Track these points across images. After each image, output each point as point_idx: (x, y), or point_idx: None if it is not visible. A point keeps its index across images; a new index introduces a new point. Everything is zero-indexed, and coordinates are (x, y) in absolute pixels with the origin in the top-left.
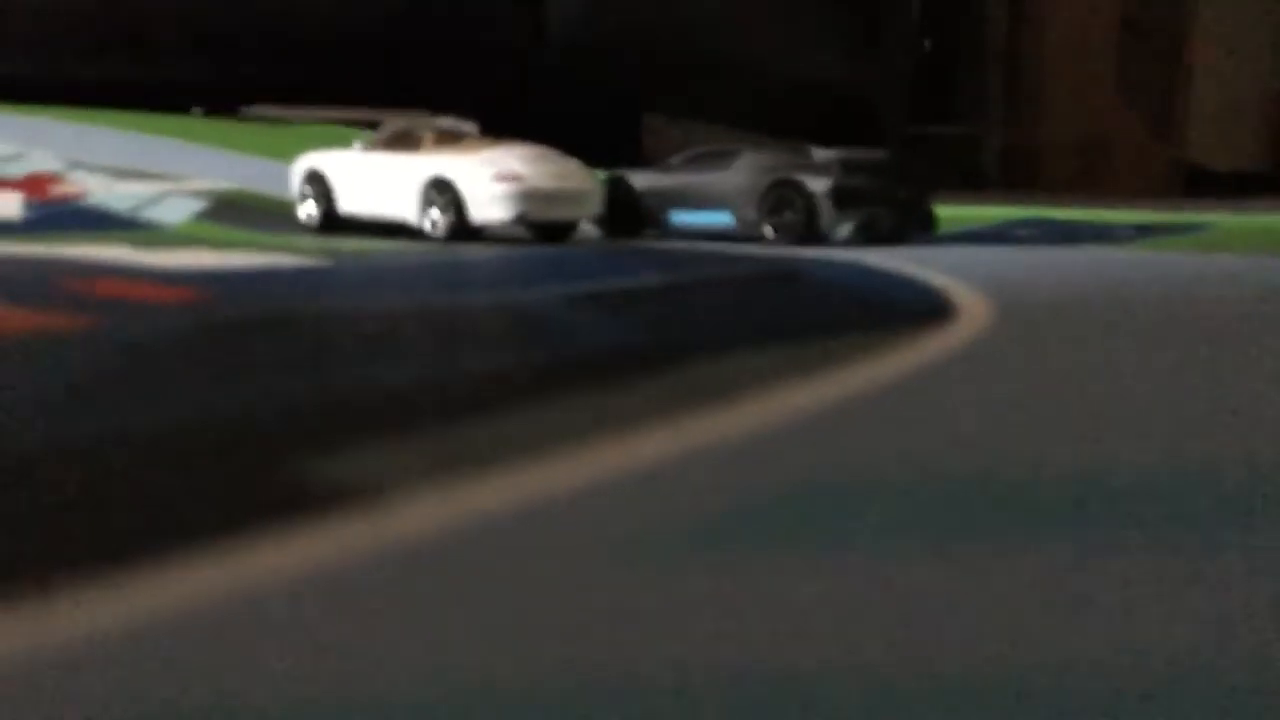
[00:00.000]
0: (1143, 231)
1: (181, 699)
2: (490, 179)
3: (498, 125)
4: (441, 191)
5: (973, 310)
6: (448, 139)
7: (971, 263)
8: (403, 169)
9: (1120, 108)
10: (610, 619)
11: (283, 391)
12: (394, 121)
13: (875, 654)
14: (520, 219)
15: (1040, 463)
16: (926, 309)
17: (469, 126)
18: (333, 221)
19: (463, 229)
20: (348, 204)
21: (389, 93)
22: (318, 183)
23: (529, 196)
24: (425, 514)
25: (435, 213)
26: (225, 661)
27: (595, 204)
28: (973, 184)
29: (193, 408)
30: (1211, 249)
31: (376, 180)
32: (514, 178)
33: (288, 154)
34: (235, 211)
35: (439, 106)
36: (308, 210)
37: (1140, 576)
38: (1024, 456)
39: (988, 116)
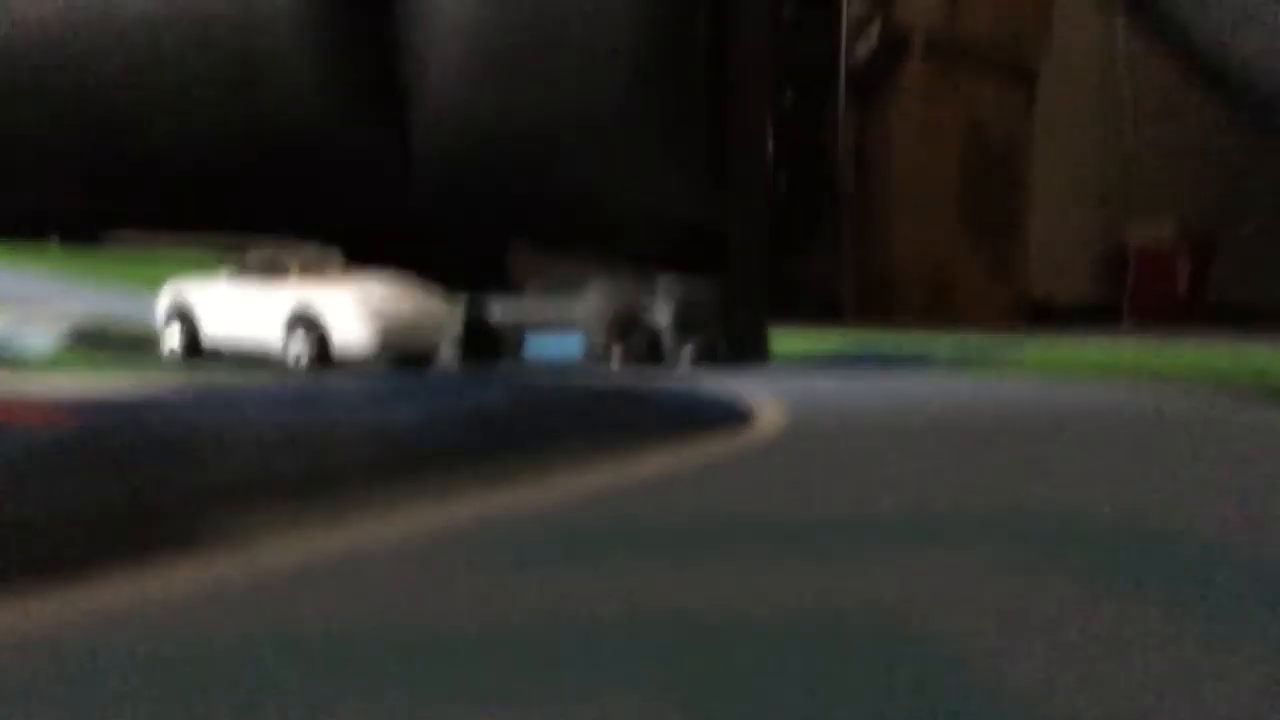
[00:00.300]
0: (961, 360)
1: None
2: (354, 310)
3: (363, 252)
4: (305, 323)
5: (770, 420)
6: (313, 269)
7: (788, 385)
8: (267, 299)
9: (963, 244)
10: None
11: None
12: (260, 251)
13: None
14: (383, 350)
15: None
16: (731, 419)
17: (333, 256)
18: (196, 351)
19: (325, 359)
20: (212, 334)
21: (252, 219)
22: (182, 312)
23: (393, 328)
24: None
25: (298, 343)
26: None
27: (455, 333)
28: (829, 314)
29: (62, 500)
30: (1021, 376)
31: (241, 310)
32: (379, 309)
33: (153, 283)
34: (100, 340)
35: (304, 233)
36: (171, 341)
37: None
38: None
39: (841, 251)
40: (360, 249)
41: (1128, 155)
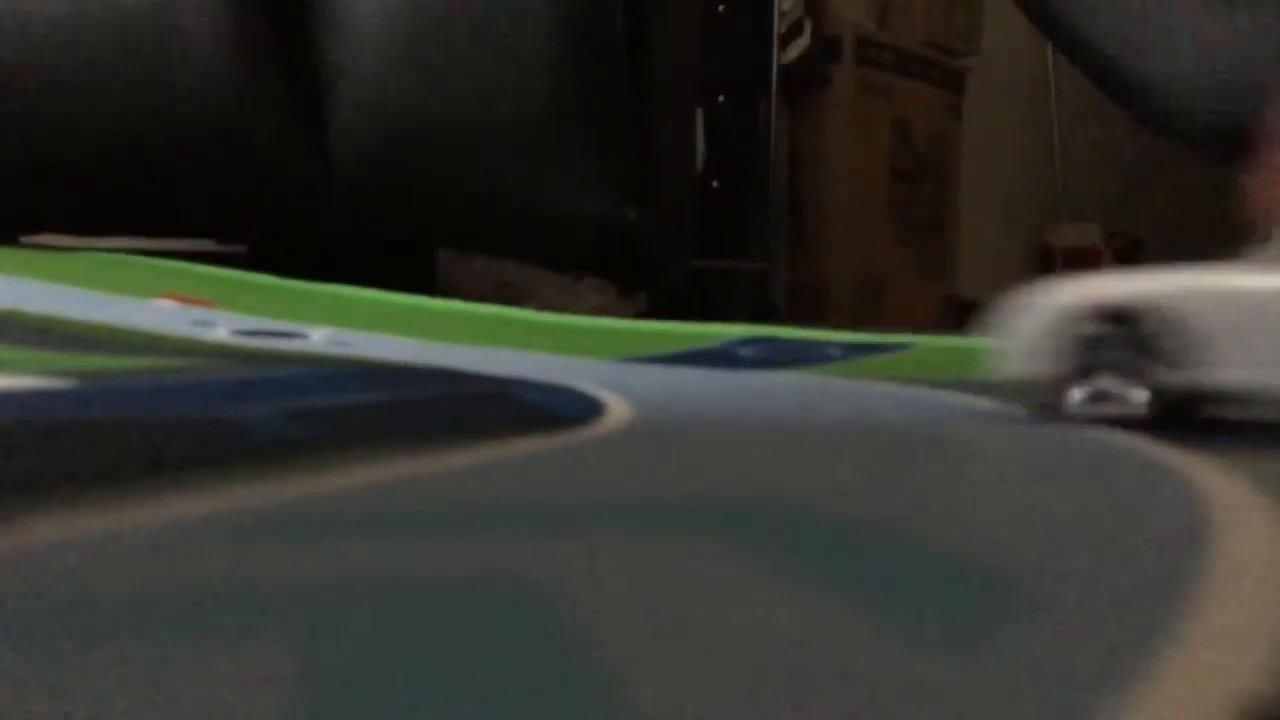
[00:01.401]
0: (852, 350)
1: None
2: None
3: (284, 258)
4: None
5: (617, 417)
6: None
7: (653, 382)
8: None
9: (894, 247)
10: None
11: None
12: None
13: None
14: None
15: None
16: (581, 415)
17: None
18: (1189, 407)
19: None
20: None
21: (170, 220)
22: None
23: None
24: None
25: None
26: None
27: None
28: (763, 318)
29: None
30: (908, 371)
31: None
32: None
33: (78, 282)
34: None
35: (223, 237)
36: (1091, 391)
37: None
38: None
39: (774, 254)
40: (279, 250)
41: (1055, 157)
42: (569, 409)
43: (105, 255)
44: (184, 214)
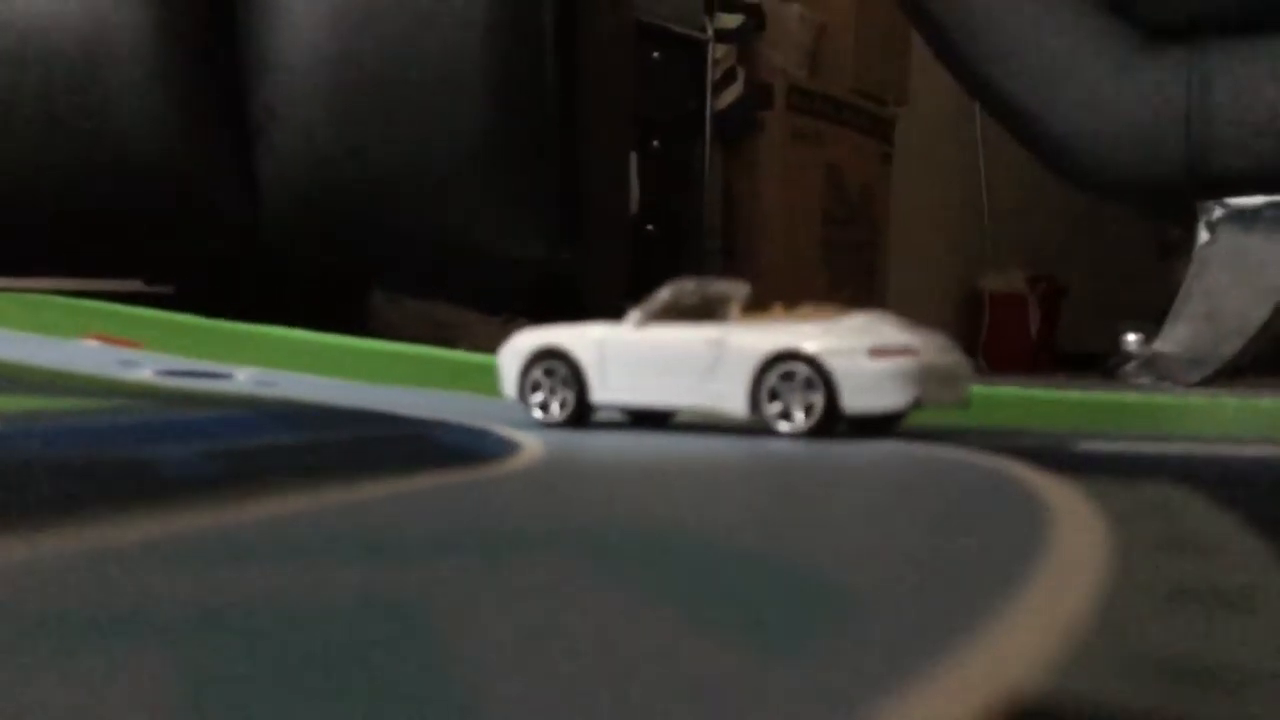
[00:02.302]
0: None
1: None
2: (865, 355)
3: (215, 298)
4: (797, 377)
5: (528, 456)
6: (750, 307)
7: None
8: (715, 349)
9: (827, 290)
10: None
11: None
12: (679, 286)
13: None
14: (914, 403)
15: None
16: (493, 453)
17: (741, 289)
18: (584, 418)
19: (830, 420)
20: (612, 398)
21: (99, 261)
22: (555, 370)
23: (922, 375)
24: None
25: (790, 402)
26: None
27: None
28: None
29: None
30: None
31: (667, 365)
32: (898, 351)
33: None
34: None
35: (152, 277)
36: (538, 403)
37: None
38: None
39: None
40: (209, 290)
41: (982, 205)
42: (482, 448)
43: (30, 296)
44: (112, 254)
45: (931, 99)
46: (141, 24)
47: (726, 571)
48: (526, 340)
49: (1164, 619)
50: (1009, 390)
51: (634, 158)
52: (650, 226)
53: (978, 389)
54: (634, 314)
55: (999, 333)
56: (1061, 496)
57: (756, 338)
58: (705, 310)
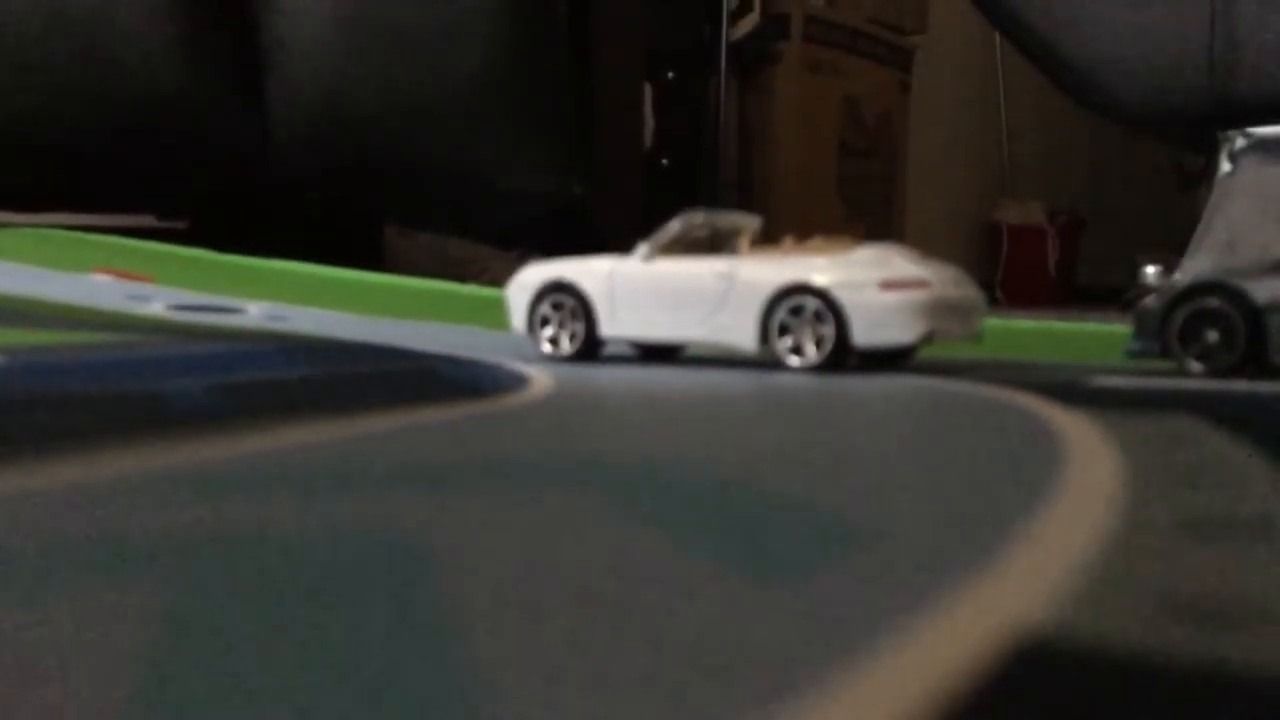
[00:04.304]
0: None
1: None
2: (877, 288)
3: (228, 233)
4: (808, 311)
5: (537, 390)
6: (758, 240)
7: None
8: (724, 282)
9: (843, 222)
10: None
11: None
12: (689, 218)
13: None
14: (925, 339)
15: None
16: (502, 388)
17: (752, 222)
18: (593, 352)
19: (841, 355)
20: (621, 331)
21: (110, 198)
22: (563, 303)
23: (939, 310)
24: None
25: (800, 336)
26: None
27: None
28: None
29: None
30: None
31: (675, 298)
32: (910, 285)
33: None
34: None
35: (164, 212)
36: (544, 341)
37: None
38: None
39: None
40: (222, 225)
41: (1001, 136)
42: (490, 382)
43: (43, 231)
44: (124, 189)
45: (951, 27)
46: None
47: (732, 503)
48: (534, 274)
49: (1175, 552)
50: (1023, 323)
51: (648, 90)
52: (664, 159)
53: (992, 322)
54: (643, 247)
55: (1017, 266)
56: (1074, 430)
57: (766, 271)
58: (715, 243)
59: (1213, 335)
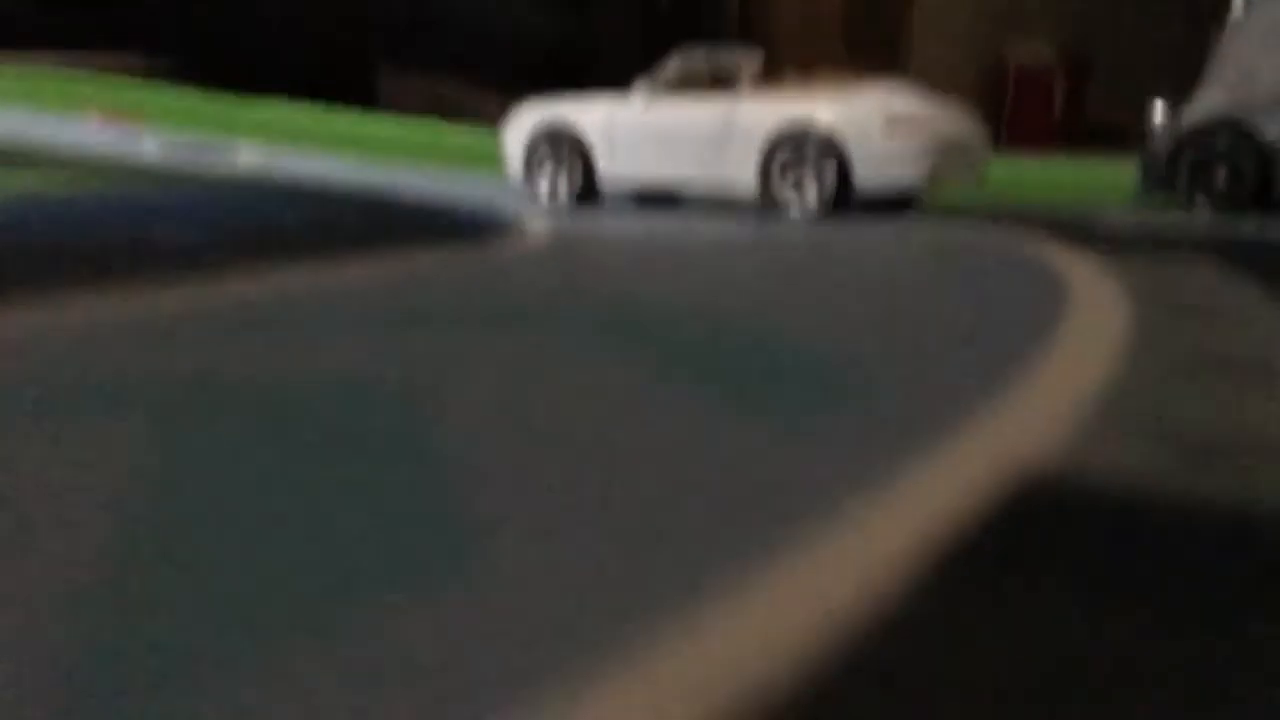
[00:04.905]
0: None
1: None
2: (890, 129)
3: (219, 72)
4: (809, 150)
5: (531, 235)
6: (760, 78)
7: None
8: (724, 120)
9: (846, 63)
10: None
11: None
12: (688, 53)
13: None
14: (930, 180)
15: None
16: (500, 231)
17: (756, 59)
18: (591, 193)
19: (844, 197)
20: (619, 171)
21: (94, 37)
22: (559, 143)
23: (942, 150)
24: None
25: (802, 177)
26: None
27: (985, 160)
28: None
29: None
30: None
31: (674, 138)
32: (922, 127)
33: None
34: None
35: (151, 50)
36: (542, 183)
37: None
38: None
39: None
40: (216, 68)
41: None
42: (485, 227)
43: (33, 72)
44: (106, 28)
45: None
46: None
47: (730, 347)
48: (530, 116)
49: (1178, 389)
50: (1030, 165)
51: None
52: (666, 3)
53: (998, 164)
54: (641, 87)
55: (1024, 107)
56: (1079, 270)
57: (767, 110)
58: (716, 81)
59: (1221, 174)
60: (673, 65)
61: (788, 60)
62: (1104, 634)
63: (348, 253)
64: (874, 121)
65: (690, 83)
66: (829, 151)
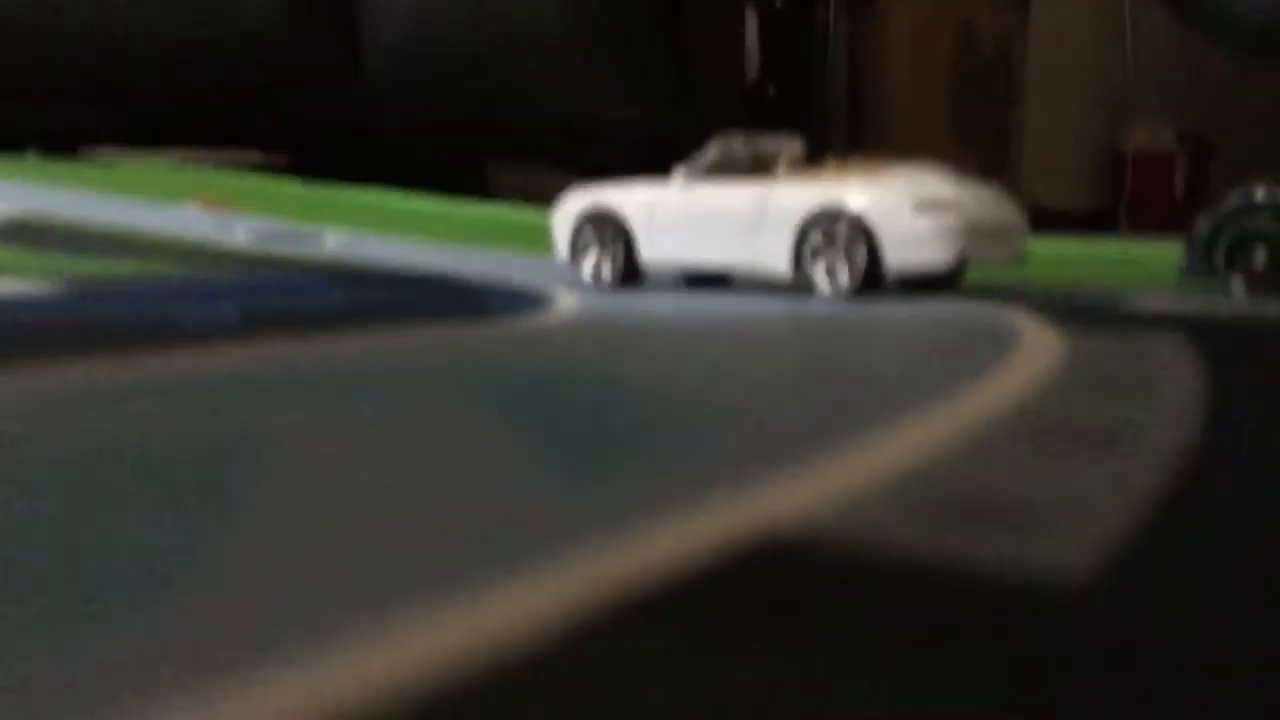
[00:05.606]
0: None
1: None
2: (918, 213)
3: (328, 168)
4: (841, 234)
5: (563, 310)
6: (798, 162)
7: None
8: (759, 205)
9: (957, 151)
10: None
11: None
12: (725, 142)
13: None
14: (960, 262)
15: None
16: (523, 310)
17: (794, 144)
18: (634, 275)
19: (874, 278)
20: (661, 255)
21: (217, 133)
22: (605, 227)
23: (973, 233)
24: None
25: (833, 260)
26: None
27: (1022, 241)
28: None
29: None
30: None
31: (712, 221)
32: (945, 206)
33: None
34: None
35: (267, 146)
36: (588, 266)
37: None
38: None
39: (834, 153)
40: (331, 162)
41: (1127, 59)
42: (513, 305)
43: (143, 165)
44: (228, 125)
45: None
46: None
47: (626, 414)
48: (577, 201)
49: (1012, 455)
50: (1072, 246)
51: (753, 19)
52: (772, 89)
53: (1041, 245)
54: (681, 172)
55: (1143, 192)
56: (1038, 345)
57: (800, 194)
58: (755, 167)
59: (1260, 254)
60: (712, 150)
61: (899, 149)
62: (787, 689)
63: (369, 327)
64: (904, 204)
65: (729, 168)
66: (859, 234)
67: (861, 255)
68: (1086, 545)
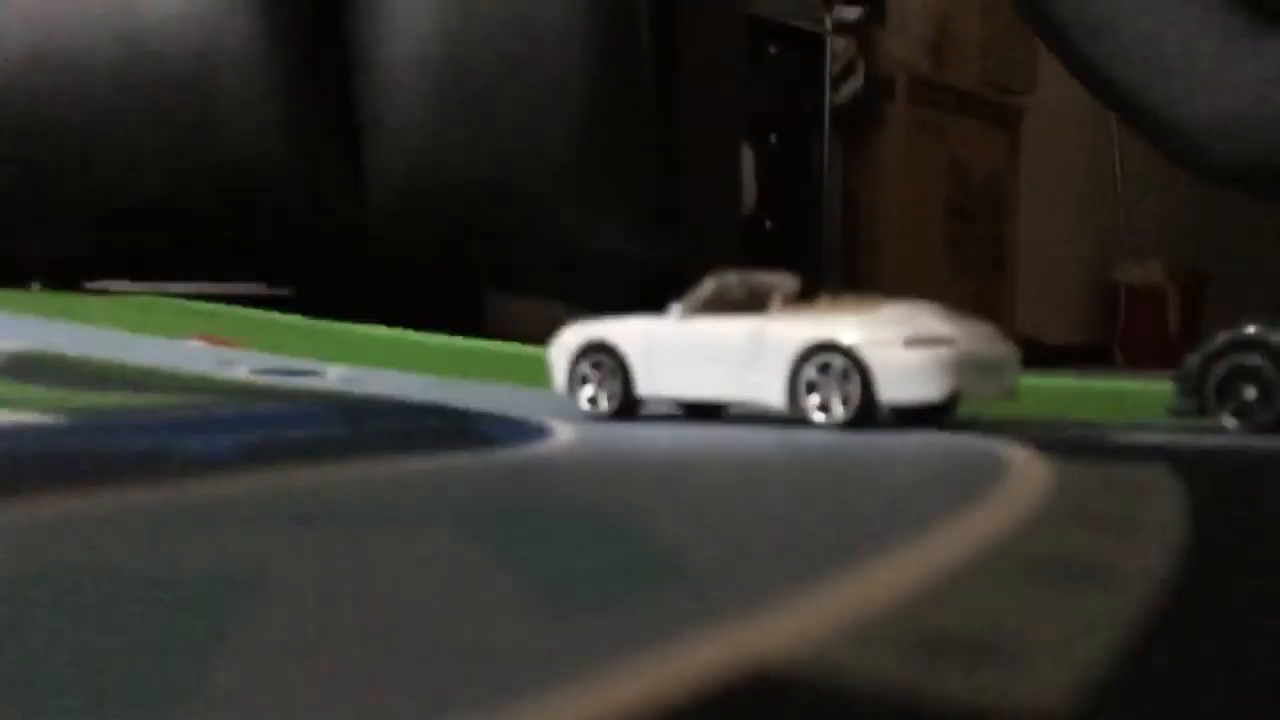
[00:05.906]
0: None
1: None
2: (908, 348)
3: (333, 300)
4: (834, 368)
5: (561, 441)
6: (791, 298)
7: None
8: (754, 339)
9: (952, 286)
10: None
11: None
12: (721, 278)
13: None
14: (951, 396)
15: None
16: (518, 440)
17: (788, 281)
18: (631, 409)
19: (868, 413)
20: (656, 389)
21: (220, 266)
22: (601, 361)
23: (962, 366)
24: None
25: (827, 393)
26: None
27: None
28: None
29: None
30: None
31: (707, 356)
32: (937, 341)
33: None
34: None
35: (269, 279)
36: (585, 399)
37: None
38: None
39: (826, 289)
40: (332, 294)
41: (1117, 194)
42: (508, 436)
43: (146, 299)
44: (228, 257)
45: (1061, 81)
46: (251, 32)
47: (607, 547)
48: (574, 335)
49: (992, 589)
50: (1064, 381)
51: (749, 154)
52: (768, 222)
53: (1034, 380)
54: (677, 307)
55: (1136, 327)
56: (1025, 474)
57: (794, 329)
58: (750, 302)
59: (1250, 392)
60: (708, 286)
61: (894, 282)
62: None
63: (368, 457)
64: (896, 339)
65: (724, 303)
66: (852, 368)
67: (855, 388)
68: (1068, 679)
